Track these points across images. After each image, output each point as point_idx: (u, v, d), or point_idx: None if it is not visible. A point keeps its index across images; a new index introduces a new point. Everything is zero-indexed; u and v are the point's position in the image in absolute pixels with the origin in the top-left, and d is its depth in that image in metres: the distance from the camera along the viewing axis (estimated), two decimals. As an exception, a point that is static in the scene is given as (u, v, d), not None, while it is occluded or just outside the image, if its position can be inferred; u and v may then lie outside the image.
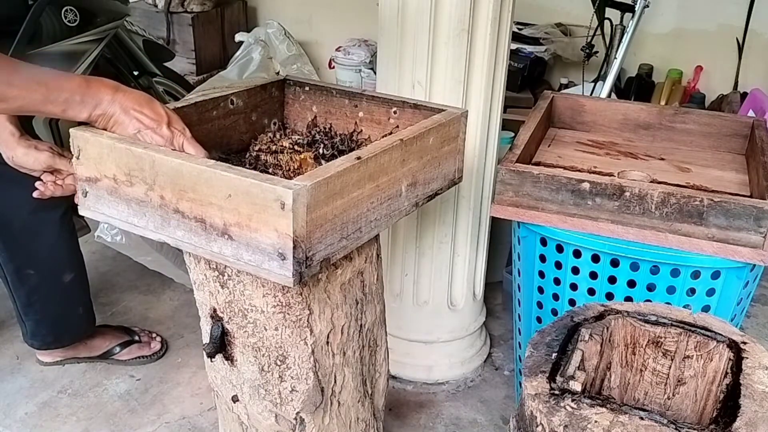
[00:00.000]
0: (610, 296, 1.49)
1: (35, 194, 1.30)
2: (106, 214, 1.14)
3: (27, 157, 1.29)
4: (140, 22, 3.08)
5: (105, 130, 1.11)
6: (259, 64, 3.81)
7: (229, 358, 1.24)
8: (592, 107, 1.90)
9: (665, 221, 1.39)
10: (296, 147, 1.39)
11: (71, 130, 1.13)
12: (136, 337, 2.12)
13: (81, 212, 1.18)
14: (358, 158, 1.06)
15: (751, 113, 2.58)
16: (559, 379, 1.00)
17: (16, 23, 1.85)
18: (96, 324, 2.08)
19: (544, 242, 1.53)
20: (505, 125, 2.04)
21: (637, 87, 3.32)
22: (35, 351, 2.05)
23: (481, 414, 1.95)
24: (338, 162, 1.04)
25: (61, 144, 2.05)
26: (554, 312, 1.60)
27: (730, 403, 1.01)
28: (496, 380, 2.08)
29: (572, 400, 0.96)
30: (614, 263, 1.46)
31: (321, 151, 1.36)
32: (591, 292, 1.51)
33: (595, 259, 1.48)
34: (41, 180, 1.30)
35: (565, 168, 1.57)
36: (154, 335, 2.16)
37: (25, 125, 1.39)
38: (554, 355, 1.06)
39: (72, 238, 1.93)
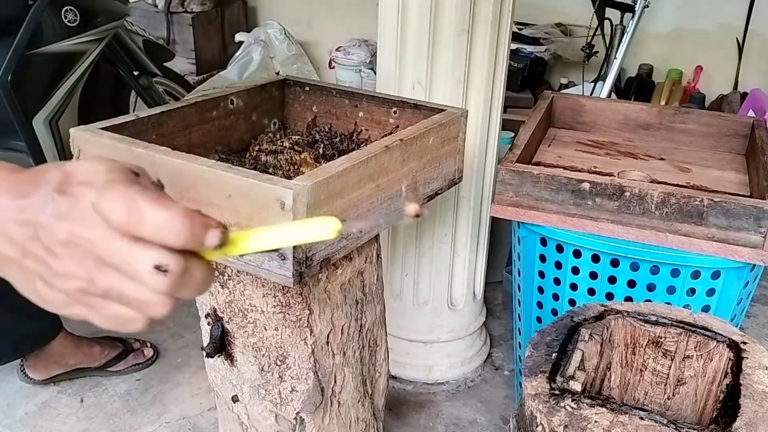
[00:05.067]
0: (610, 296, 1.49)
1: None
2: (106, 214, 1.14)
3: None
4: (140, 22, 3.08)
5: None
6: (259, 64, 3.81)
7: (229, 358, 1.24)
8: (592, 107, 1.90)
9: (665, 221, 1.39)
10: (296, 147, 1.39)
11: (71, 130, 1.13)
12: (130, 347, 2.09)
13: (81, 212, 1.18)
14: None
15: (751, 113, 2.58)
16: (559, 379, 1.00)
17: (16, 23, 1.85)
18: (63, 326, 1.96)
19: (544, 242, 1.53)
20: (505, 125, 2.04)
21: (637, 87, 3.32)
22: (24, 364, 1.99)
23: (481, 414, 1.95)
24: (338, 162, 1.04)
25: (61, 144, 2.06)
26: (554, 312, 1.60)
27: (730, 403, 1.01)
28: (496, 380, 2.08)
29: (572, 400, 0.96)
30: (614, 263, 1.46)
31: (321, 151, 1.36)
32: (591, 292, 1.51)
33: (595, 259, 1.48)
34: None
35: (565, 168, 1.57)
36: (145, 342, 2.13)
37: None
38: (554, 355, 1.06)
39: None
